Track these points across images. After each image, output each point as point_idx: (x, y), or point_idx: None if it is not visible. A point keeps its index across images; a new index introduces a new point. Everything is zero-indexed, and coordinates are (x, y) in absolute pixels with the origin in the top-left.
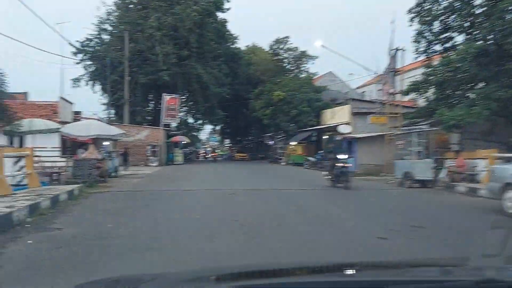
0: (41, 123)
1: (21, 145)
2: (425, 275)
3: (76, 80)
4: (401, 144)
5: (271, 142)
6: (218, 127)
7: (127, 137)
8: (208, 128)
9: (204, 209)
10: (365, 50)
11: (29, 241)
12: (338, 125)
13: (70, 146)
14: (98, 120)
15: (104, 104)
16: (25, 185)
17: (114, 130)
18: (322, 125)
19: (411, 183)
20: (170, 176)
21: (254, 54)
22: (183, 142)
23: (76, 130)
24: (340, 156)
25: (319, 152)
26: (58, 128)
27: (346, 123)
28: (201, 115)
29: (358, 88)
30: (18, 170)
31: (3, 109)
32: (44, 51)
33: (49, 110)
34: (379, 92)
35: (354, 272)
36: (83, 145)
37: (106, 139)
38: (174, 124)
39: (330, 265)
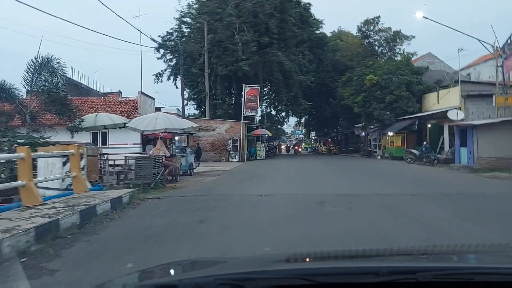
0: (106, 118)
1: (104, 142)
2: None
3: (158, 75)
4: None
5: (363, 134)
6: (302, 120)
7: (206, 132)
8: (292, 121)
9: (280, 230)
10: (473, 25)
11: None
12: (447, 110)
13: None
14: (177, 114)
15: (185, 98)
16: (71, 190)
17: (184, 123)
18: (425, 111)
19: None
20: (247, 175)
21: (341, 39)
22: (266, 136)
23: (142, 124)
24: None
25: (424, 144)
26: (125, 123)
27: (457, 108)
28: (284, 106)
29: (461, 70)
30: (68, 173)
31: (64, 104)
32: (132, 43)
33: (130, 106)
34: (494, 71)
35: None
36: (152, 140)
37: (176, 133)
38: (257, 118)
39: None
